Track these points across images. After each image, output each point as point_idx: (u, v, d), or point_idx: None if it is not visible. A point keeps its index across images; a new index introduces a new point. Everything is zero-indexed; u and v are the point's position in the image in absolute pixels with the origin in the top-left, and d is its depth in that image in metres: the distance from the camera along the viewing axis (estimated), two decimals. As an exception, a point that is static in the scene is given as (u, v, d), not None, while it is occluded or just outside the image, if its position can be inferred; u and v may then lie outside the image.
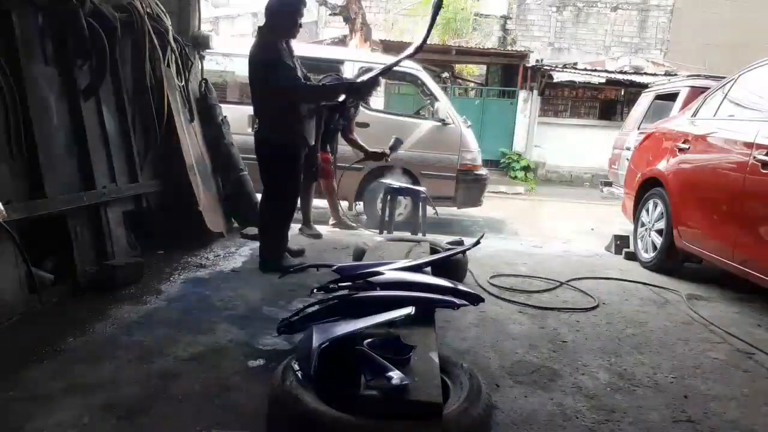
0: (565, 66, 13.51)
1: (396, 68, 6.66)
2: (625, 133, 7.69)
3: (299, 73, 3.46)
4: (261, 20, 3.63)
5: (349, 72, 6.18)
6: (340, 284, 2.31)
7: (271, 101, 3.47)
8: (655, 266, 4.30)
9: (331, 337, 1.67)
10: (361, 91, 3.77)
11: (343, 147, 5.40)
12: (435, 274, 2.61)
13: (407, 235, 4.53)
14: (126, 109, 3.65)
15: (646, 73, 12.79)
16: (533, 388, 2.23)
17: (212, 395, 2.00)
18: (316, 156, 4.50)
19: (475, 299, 2.30)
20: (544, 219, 8.21)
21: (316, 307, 2.09)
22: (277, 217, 3.61)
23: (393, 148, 4.92)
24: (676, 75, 11.48)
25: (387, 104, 12.82)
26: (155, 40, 3.88)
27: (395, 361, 1.58)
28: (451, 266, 3.22)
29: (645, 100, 7.70)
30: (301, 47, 7.80)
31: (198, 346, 2.40)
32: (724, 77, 4.51)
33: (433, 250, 3.33)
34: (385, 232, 4.94)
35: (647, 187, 4.59)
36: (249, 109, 6.08)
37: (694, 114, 4.39)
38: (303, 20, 3.55)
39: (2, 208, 2.46)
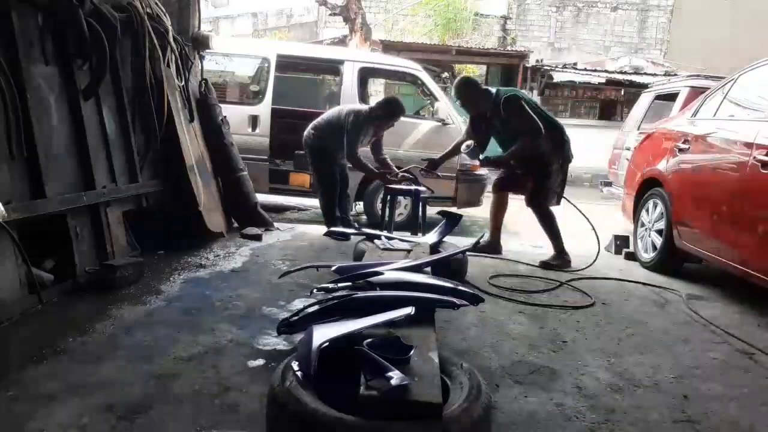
0: (565, 66, 13.51)
1: (396, 68, 6.74)
2: (625, 133, 7.68)
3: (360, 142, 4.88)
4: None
5: (348, 72, 6.17)
6: (340, 284, 2.31)
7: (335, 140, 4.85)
8: (655, 266, 4.30)
9: (331, 337, 1.67)
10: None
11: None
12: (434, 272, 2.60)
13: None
14: (126, 109, 3.65)
15: (646, 73, 12.78)
16: (533, 388, 2.23)
17: (212, 395, 2.00)
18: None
19: (475, 299, 2.30)
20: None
21: (316, 307, 2.09)
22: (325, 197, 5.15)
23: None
24: (676, 75, 11.48)
25: (387, 104, 12.80)
26: (155, 40, 3.88)
27: (395, 361, 1.58)
28: (450, 266, 3.22)
29: (645, 100, 7.70)
30: (301, 47, 7.86)
31: (198, 346, 2.39)
32: (724, 77, 4.51)
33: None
34: (385, 231, 4.93)
35: (647, 187, 4.58)
36: (249, 109, 6.15)
37: (694, 114, 4.39)
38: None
39: (2, 208, 2.46)
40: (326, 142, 4.86)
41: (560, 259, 4.32)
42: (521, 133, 4.16)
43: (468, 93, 4.36)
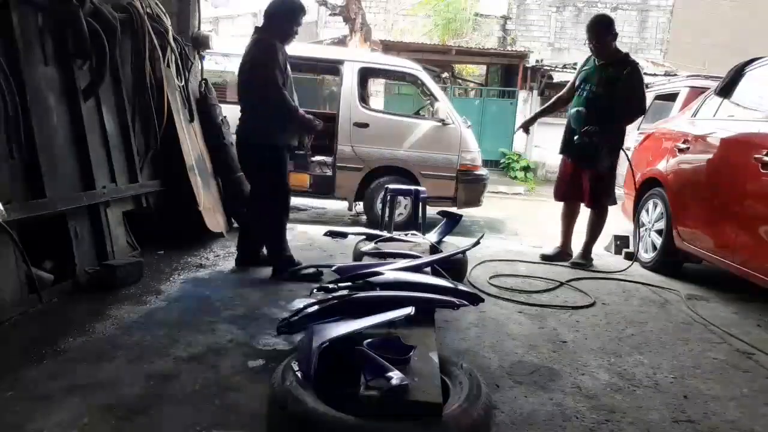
0: (565, 66, 13.51)
1: (396, 68, 6.74)
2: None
3: (284, 79, 3.41)
4: (261, 20, 3.66)
5: (348, 72, 6.17)
6: (340, 284, 2.31)
7: (256, 100, 3.40)
8: (655, 266, 4.30)
9: (331, 337, 1.67)
10: (302, 127, 3.57)
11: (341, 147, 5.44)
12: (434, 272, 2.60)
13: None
14: (126, 109, 3.65)
15: (646, 73, 12.74)
16: (533, 388, 2.23)
17: (212, 395, 2.00)
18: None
19: (474, 299, 2.30)
20: (544, 219, 8.20)
21: (316, 307, 2.09)
22: (272, 217, 3.56)
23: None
24: (676, 75, 11.47)
25: (387, 104, 12.83)
26: (155, 40, 3.88)
27: (395, 361, 1.58)
28: (450, 266, 3.22)
29: (645, 100, 7.68)
30: (301, 47, 7.83)
31: (198, 346, 2.40)
32: (723, 77, 4.50)
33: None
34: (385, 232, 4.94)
35: (647, 188, 4.58)
36: (249, 109, 6.15)
37: (694, 114, 4.39)
38: (303, 20, 3.56)
39: (2, 208, 2.46)
40: (259, 117, 3.38)
41: (587, 260, 4.40)
42: (627, 106, 4.02)
43: (603, 32, 4.12)
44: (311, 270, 3.43)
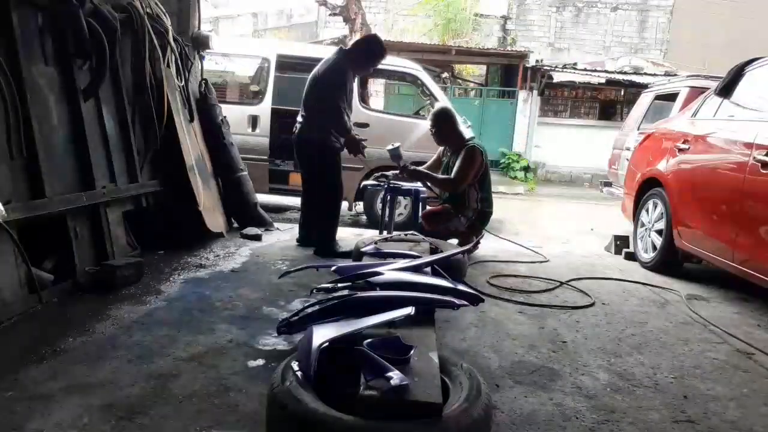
0: (564, 66, 13.53)
1: (396, 68, 6.74)
2: (625, 133, 7.69)
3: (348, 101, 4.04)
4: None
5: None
6: (340, 284, 2.31)
7: (324, 111, 3.98)
8: (655, 266, 4.30)
9: (331, 338, 1.67)
10: (350, 148, 4.15)
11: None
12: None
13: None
14: (126, 109, 3.65)
15: (645, 73, 12.80)
16: (533, 389, 2.23)
17: (212, 395, 2.00)
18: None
19: (474, 299, 2.30)
20: (544, 219, 8.21)
21: (316, 307, 2.09)
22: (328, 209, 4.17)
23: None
24: (675, 75, 11.48)
25: (387, 104, 12.83)
26: (155, 40, 3.88)
27: (395, 361, 1.58)
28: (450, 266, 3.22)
29: (645, 100, 7.70)
30: (300, 47, 7.85)
31: (198, 346, 2.40)
32: (723, 77, 4.50)
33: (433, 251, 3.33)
34: (385, 232, 4.94)
35: (647, 188, 4.59)
36: (249, 109, 6.16)
37: (694, 114, 4.39)
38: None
39: (2, 208, 2.46)
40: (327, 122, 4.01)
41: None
42: (452, 175, 4.10)
43: (445, 126, 4.33)
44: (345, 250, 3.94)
